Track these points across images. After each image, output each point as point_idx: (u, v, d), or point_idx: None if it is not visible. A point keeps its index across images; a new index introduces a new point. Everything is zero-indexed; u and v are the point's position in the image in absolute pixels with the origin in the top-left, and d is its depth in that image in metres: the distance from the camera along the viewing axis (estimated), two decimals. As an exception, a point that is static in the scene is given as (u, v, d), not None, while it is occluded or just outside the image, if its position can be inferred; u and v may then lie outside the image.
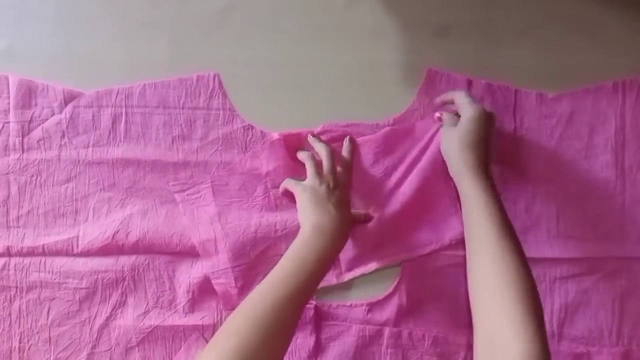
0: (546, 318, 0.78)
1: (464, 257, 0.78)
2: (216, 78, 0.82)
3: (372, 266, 0.81)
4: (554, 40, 0.83)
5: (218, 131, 0.82)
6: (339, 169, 0.79)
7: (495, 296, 0.60)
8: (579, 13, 0.83)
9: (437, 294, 0.81)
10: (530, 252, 0.77)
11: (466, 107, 0.73)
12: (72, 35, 0.83)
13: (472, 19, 0.84)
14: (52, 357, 0.81)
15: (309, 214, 0.72)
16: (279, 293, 0.64)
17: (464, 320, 0.80)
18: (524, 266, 0.62)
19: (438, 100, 0.79)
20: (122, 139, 0.82)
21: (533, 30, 0.83)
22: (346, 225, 0.74)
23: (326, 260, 0.70)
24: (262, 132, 0.82)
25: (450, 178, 0.74)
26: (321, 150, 0.79)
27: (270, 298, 0.64)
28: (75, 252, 0.81)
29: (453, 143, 0.72)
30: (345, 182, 0.78)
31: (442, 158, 0.76)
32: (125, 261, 0.81)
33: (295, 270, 0.67)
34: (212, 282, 0.80)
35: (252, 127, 0.82)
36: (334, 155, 0.78)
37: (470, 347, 0.80)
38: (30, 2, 0.84)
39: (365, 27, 0.84)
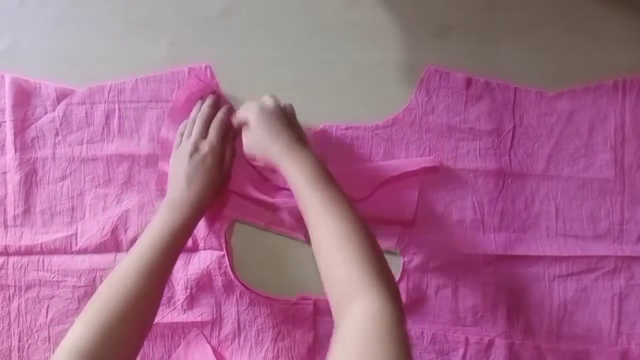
0: (545, 316, 0.79)
1: (464, 255, 0.79)
2: (208, 70, 0.82)
3: None
4: (554, 40, 0.83)
5: (211, 123, 0.82)
6: (212, 131, 0.77)
7: (329, 252, 0.60)
8: (579, 13, 0.83)
9: (437, 292, 0.80)
10: (530, 250, 0.79)
11: (249, 111, 0.74)
12: (72, 35, 0.84)
13: (472, 19, 0.84)
14: (51, 356, 0.81)
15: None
16: (136, 267, 0.65)
17: (462, 318, 0.81)
18: (349, 212, 0.62)
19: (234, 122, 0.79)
20: (116, 135, 0.82)
21: (533, 30, 0.84)
22: (201, 196, 0.73)
23: (178, 234, 0.69)
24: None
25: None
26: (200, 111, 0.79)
27: (130, 270, 0.65)
28: (73, 249, 0.81)
29: (253, 141, 0.74)
30: (214, 147, 0.76)
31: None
32: (123, 258, 0.80)
33: (150, 245, 0.67)
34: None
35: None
36: (208, 118, 0.78)
37: (469, 344, 0.80)
38: (30, 2, 0.84)
39: (365, 27, 0.84)
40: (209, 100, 0.79)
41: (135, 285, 0.64)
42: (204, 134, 0.76)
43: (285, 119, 0.74)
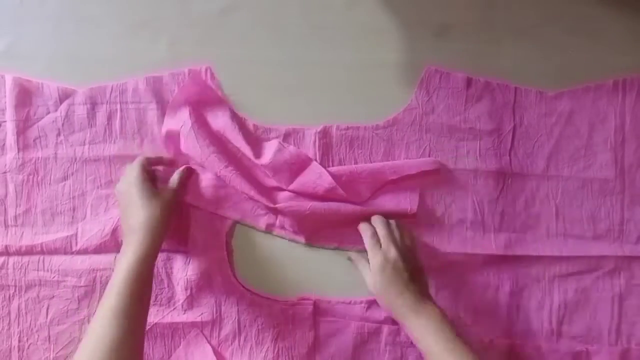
0: (545, 316, 0.79)
1: (464, 255, 0.79)
2: (208, 71, 0.82)
3: (332, 245, 0.82)
4: (554, 40, 0.83)
5: (212, 124, 0.82)
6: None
7: None
8: (579, 13, 0.83)
9: (436, 292, 0.80)
10: (530, 250, 0.79)
11: (372, 258, 0.74)
12: (72, 35, 0.84)
13: (472, 19, 0.84)
14: (51, 356, 0.81)
15: None
16: (109, 304, 0.65)
17: (462, 318, 0.81)
18: None
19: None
20: (118, 135, 0.82)
21: (533, 30, 0.83)
22: (152, 220, 0.72)
23: (140, 263, 0.69)
24: (254, 125, 0.83)
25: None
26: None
27: (104, 310, 0.65)
28: (73, 250, 0.81)
29: (377, 290, 0.73)
30: (139, 173, 0.75)
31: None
32: (124, 259, 0.81)
33: (117, 280, 0.67)
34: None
35: (246, 120, 0.82)
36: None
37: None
38: (29, 2, 0.84)
39: (365, 27, 0.84)
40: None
41: (115, 335, 0.64)
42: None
43: (408, 271, 0.72)
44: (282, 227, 0.82)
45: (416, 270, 0.74)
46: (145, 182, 0.74)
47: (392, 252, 0.73)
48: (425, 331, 0.68)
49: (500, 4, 0.84)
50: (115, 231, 0.81)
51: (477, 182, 0.81)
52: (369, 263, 0.75)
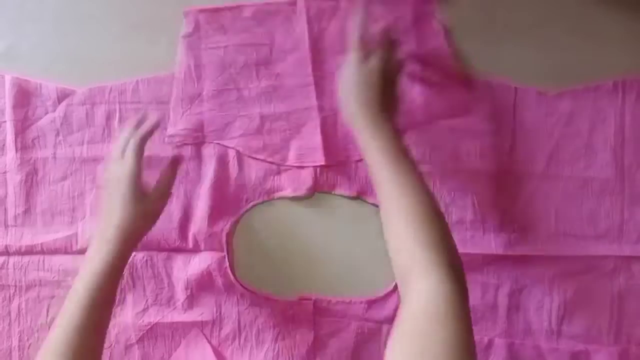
0: (545, 316, 0.79)
1: (464, 255, 0.79)
2: None
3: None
4: (554, 40, 0.83)
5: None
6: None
7: (400, 233, 0.60)
8: (579, 13, 0.83)
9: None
10: (529, 250, 0.79)
11: (352, 53, 0.71)
12: (71, 35, 0.84)
13: (472, 19, 0.83)
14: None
15: None
16: (70, 315, 0.63)
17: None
18: (425, 195, 0.61)
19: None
20: (117, 136, 0.82)
21: (533, 30, 0.83)
22: (128, 229, 0.68)
23: (106, 274, 0.65)
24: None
25: None
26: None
27: (64, 320, 0.63)
28: (74, 249, 0.81)
29: (348, 92, 0.70)
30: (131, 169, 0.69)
31: None
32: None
33: (81, 289, 0.65)
34: None
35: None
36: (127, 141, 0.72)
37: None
38: (29, 2, 0.84)
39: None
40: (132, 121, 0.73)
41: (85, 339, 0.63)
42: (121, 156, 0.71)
43: (381, 86, 0.69)
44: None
45: (388, 89, 0.70)
46: (136, 181, 0.69)
47: (373, 62, 0.70)
48: (375, 145, 0.65)
49: (500, 4, 0.84)
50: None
51: (477, 182, 0.80)
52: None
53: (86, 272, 0.65)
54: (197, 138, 0.81)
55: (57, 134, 0.82)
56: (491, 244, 0.80)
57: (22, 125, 0.82)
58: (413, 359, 0.49)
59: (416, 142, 0.81)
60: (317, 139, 0.81)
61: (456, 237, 0.77)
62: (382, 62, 0.70)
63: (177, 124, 0.81)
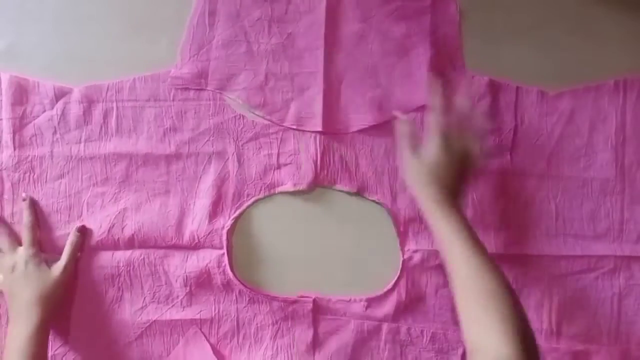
0: (545, 316, 0.79)
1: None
2: None
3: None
4: (554, 40, 0.83)
5: (209, 121, 0.82)
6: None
7: (471, 307, 0.64)
8: (579, 13, 0.83)
9: (437, 290, 0.81)
10: (529, 249, 0.79)
11: (435, 138, 0.74)
12: (71, 35, 0.83)
13: (473, 19, 0.84)
14: (50, 354, 0.80)
15: None
16: None
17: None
18: (495, 273, 0.65)
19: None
20: (114, 134, 0.82)
21: (533, 30, 0.84)
22: (37, 304, 0.74)
23: (29, 341, 0.71)
24: (253, 122, 0.82)
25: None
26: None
27: None
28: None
29: (419, 175, 0.74)
30: (30, 254, 0.78)
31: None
32: (120, 256, 0.81)
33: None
34: None
35: (243, 117, 0.82)
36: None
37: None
38: (29, 2, 0.83)
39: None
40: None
41: None
42: (14, 244, 0.79)
43: (461, 172, 0.73)
44: (282, 184, 0.82)
45: (460, 181, 0.73)
46: (34, 257, 0.77)
47: (462, 147, 0.73)
48: (446, 223, 0.69)
49: (500, 4, 0.84)
50: (112, 228, 0.80)
51: (477, 181, 0.80)
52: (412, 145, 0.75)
53: (11, 344, 0.71)
54: (200, 84, 0.82)
55: (55, 132, 0.81)
56: (491, 242, 0.80)
57: (20, 123, 0.81)
58: None
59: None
60: (318, 105, 0.81)
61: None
62: (469, 149, 0.73)
63: (183, 68, 0.81)
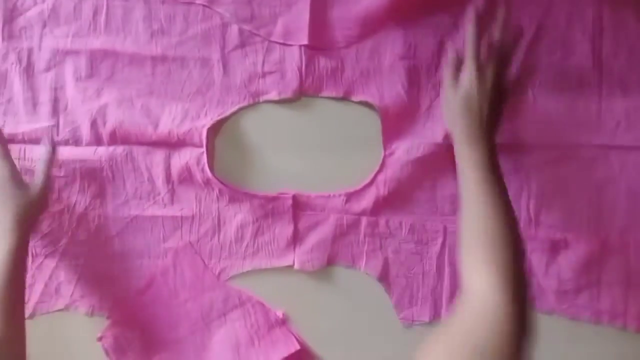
0: (523, 205, 0.79)
1: (445, 145, 0.79)
2: None
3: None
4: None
5: (197, 27, 0.83)
6: None
7: (472, 247, 0.65)
8: None
9: (416, 184, 0.81)
10: (507, 138, 0.78)
11: (467, 77, 0.72)
12: None
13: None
14: (31, 244, 0.81)
15: None
16: None
17: (440, 207, 0.81)
18: (507, 217, 0.65)
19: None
20: (102, 31, 0.82)
21: None
22: (10, 218, 0.72)
23: (7, 262, 0.70)
24: (239, 29, 0.83)
25: None
26: None
27: None
28: (54, 140, 0.81)
29: (452, 107, 0.73)
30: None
31: None
32: (103, 152, 0.81)
33: None
34: None
35: (231, 25, 0.83)
36: None
37: (447, 232, 0.80)
38: None
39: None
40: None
41: None
42: None
43: (493, 102, 0.72)
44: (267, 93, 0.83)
45: (494, 113, 0.72)
46: (11, 177, 0.74)
47: (489, 77, 0.72)
48: (471, 161, 0.69)
49: None
50: (94, 123, 0.81)
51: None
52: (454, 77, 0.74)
53: None
54: None
55: (44, 26, 0.82)
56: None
57: (11, 15, 0.82)
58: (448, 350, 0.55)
59: (402, 38, 0.82)
60: (305, 18, 0.81)
61: (438, 125, 0.78)
62: (497, 77, 0.72)
63: None
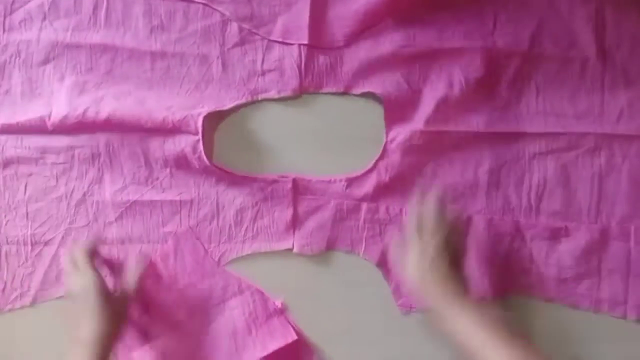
0: (524, 193, 0.79)
1: (446, 132, 0.79)
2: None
3: None
4: None
5: (197, 24, 0.83)
6: None
7: None
8: None
9: (417, 170, 0.80)
10: (510, 127, 0.79)
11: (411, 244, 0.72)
12: None
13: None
14: (29, 232, 0.81)
15: None
16: None
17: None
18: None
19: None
20: (102, 25, 0.82)
21: None
22: (102, 336, 0.68)
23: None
24: (239, 27, 0.82)
25: None
26: None
27: None
28: (49, 129, 0.80)
29: (422, 275, 0.71)
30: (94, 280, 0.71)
31: None
32: (100, 138, 0.80)
33: None
34: None
35: (231, 22, 0.82)
36: None
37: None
38: None
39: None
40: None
41: None
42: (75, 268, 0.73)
43: (448, 263, 0.70)
44: (266, 91, 0.83)
45: (453, 266, 0.71)
46: (102, 288, 0.70)
47: (431, 248, 0.70)
48: (470, 322, 0.66)
49: None
50: (87, 111, 0.79)
51: (461, 59, 0.80)
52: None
53: None
54: None
55: (44, 18, 0.82)
56: (473, 121, 0.80)
57: (11, 8, 0.82)
58: None
59: (401, 23, 0.81)
60: (305, 18, 0.81)
61: (440, 114, 0.78)
62: (444, 242, 0.70)
63: None
